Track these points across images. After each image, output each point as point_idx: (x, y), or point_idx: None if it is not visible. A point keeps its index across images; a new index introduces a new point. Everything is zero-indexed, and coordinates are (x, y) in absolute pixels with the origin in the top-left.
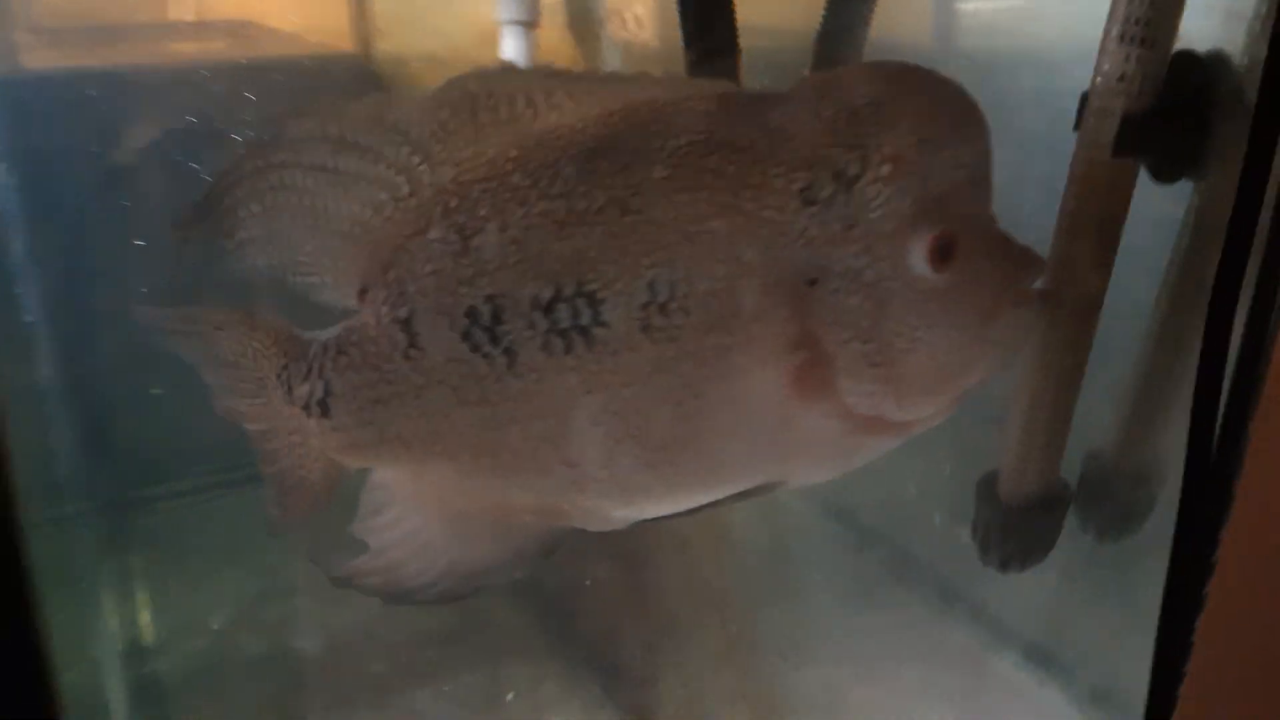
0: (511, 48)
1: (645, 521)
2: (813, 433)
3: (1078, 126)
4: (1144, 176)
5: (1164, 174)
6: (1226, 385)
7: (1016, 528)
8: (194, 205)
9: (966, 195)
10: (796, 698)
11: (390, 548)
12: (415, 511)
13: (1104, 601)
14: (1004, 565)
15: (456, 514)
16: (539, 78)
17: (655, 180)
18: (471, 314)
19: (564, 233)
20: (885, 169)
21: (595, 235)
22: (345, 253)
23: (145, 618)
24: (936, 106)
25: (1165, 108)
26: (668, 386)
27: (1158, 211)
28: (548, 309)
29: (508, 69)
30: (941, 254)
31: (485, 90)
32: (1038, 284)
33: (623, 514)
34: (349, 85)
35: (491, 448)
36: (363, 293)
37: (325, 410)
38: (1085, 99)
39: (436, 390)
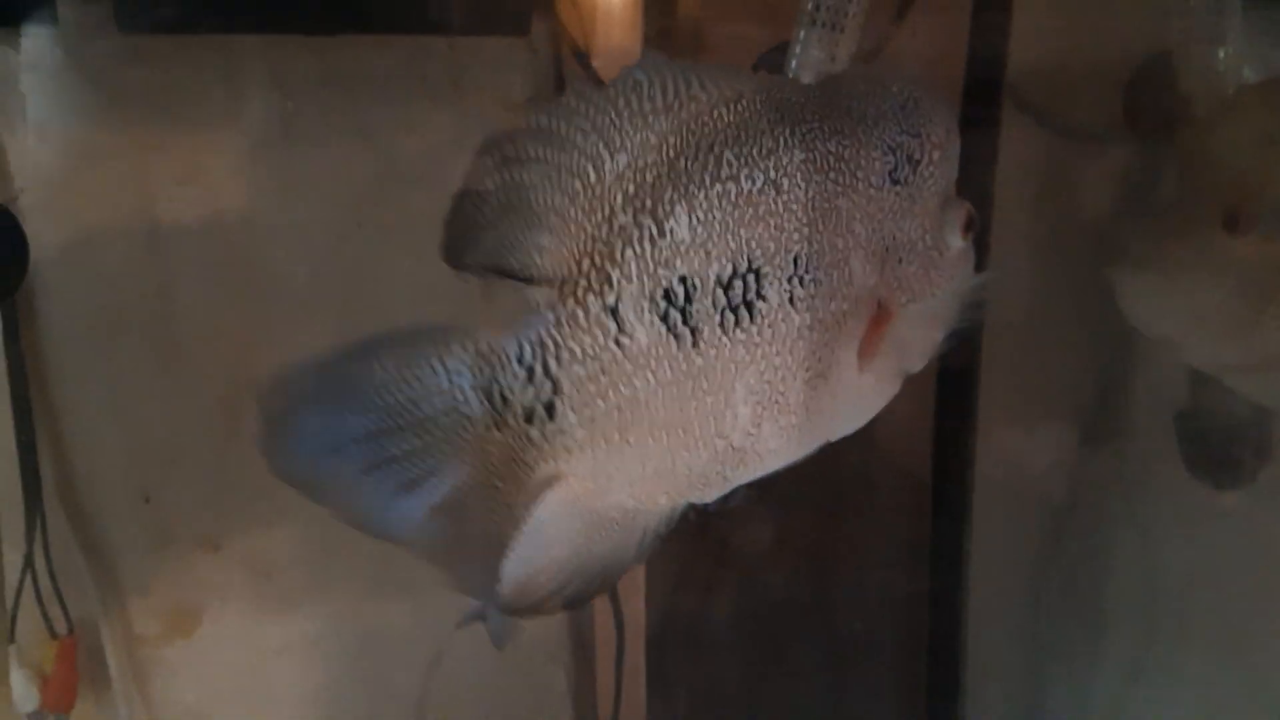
0: None
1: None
2: (865, 390)
3: None
4: None
5: None
6: None
7: None
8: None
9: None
10: None
11: (532, 559)
12: (560, 515)
13: None
14: None
15: (596, 509)
16: (681, 68)
17: (796, 163)
18: (668, 295)
19: (739, 209)
20: (935, 154)
21: (760, 211)
22: (549, 246)
23: None
24: (945, 106)
25: None
26: (803, 353)
27: None
28: (727, 286)
29: (659, 59)
30: (967, 226)
31: (648, 78)
32: None
33: (736, 481)
34: None
35: (669, 427)
36: (562, 285)
37: (551, 413)
38: None
39: (640, 376)
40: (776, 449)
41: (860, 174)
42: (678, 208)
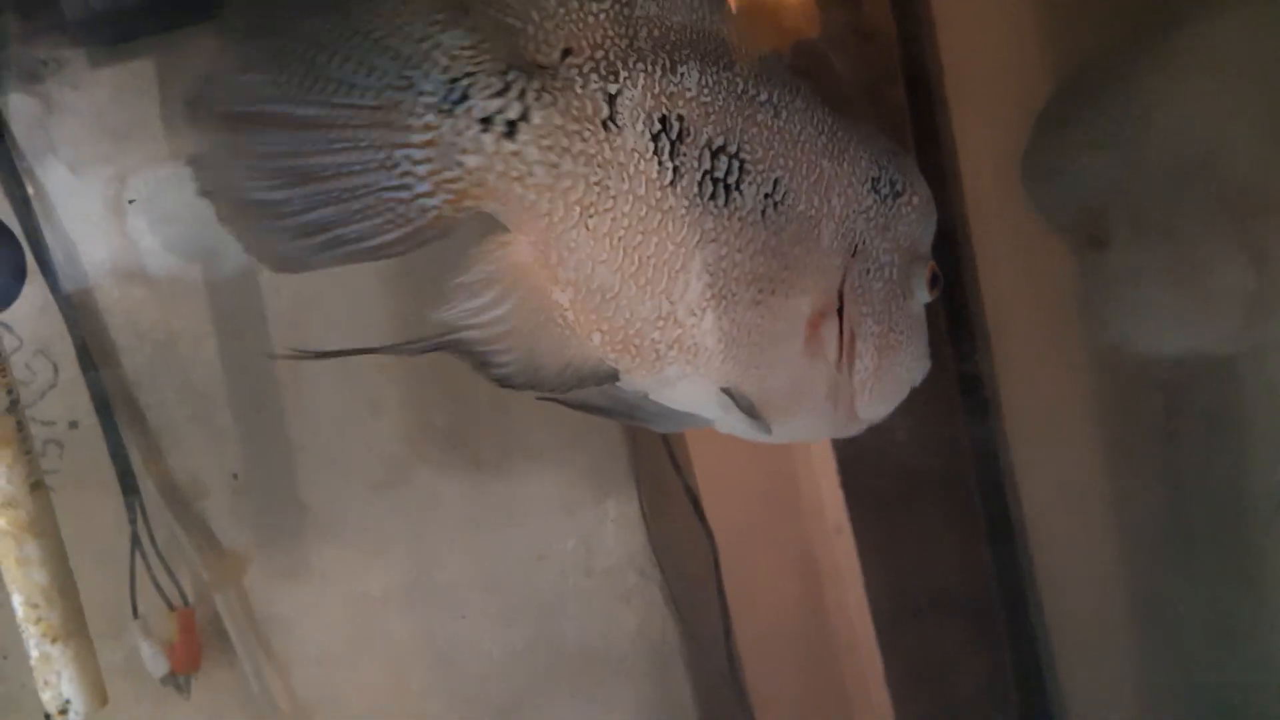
0: None
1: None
2: (807, 388)
3: None
4: None
5: None
6: None
7: None
8: None
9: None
10: None
11: (489, 319)
12: (506, 280)
13: None
14: None
15: (541, 297)
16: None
17: (798, 106)
18: (664, 123)
19: (739, 102)
20: (914, 199)
21: (757, 118)
22: (557, 13)
23: None
24: (925, 181)
25: None
26: (759, 272)
27: None
28: (715, 153)
29: None
30: (933, 283)
31: None
32: None
33: (665, 368)
34: None
35: (625, 247)
36: (566, 53)
37: (512, 133)
38: None
39: (615, 170)
40: (710, 352)
41: (848, 158)
42: (691, 63)
